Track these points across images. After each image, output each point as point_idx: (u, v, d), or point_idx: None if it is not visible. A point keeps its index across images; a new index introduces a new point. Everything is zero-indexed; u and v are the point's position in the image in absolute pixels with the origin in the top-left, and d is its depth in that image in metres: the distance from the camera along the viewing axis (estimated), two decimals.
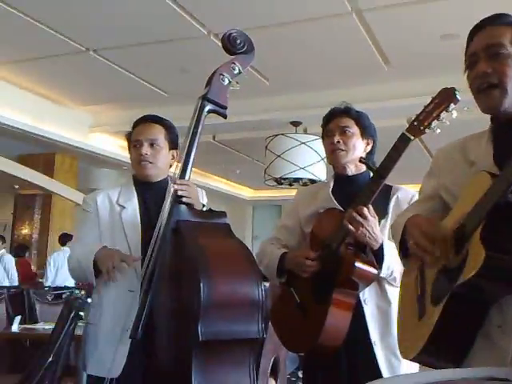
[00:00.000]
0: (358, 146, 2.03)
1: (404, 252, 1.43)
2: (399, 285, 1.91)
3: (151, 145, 2.07)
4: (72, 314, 2.26)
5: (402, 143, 1.77)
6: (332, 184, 2.08)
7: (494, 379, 0.89)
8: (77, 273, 2.11)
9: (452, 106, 1.67)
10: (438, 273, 1.28)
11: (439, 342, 1.24)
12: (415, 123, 1.73)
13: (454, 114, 1.69)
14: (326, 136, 2.08)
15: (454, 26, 4.31)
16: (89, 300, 3.30)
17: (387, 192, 2.01)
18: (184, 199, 1.85)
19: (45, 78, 5.96)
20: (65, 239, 6.87)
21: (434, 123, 1.71)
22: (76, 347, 3.01)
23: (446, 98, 1.68)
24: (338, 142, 2.00)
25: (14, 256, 7.74)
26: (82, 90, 6.28)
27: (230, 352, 1.64)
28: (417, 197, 2.01)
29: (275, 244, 2.11)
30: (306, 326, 1.90)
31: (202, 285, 1.55)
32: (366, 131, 2.05)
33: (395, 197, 2.00)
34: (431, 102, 1.71)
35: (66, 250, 6.35)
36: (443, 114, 1.69)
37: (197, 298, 1.55)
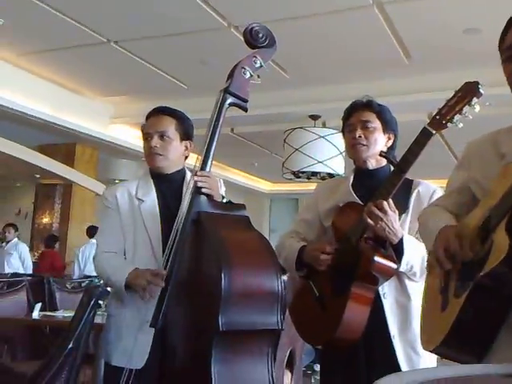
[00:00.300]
0: (380, 141, 2.01)
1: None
2: (420, 280, 1.91)
3: (161, 137, 2.07)
4: (92, 302, 2.28)
5: (423, 137, 1.76)
6: (352, 178, 2.08)
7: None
8: (105, 281, 2.19)
9: (475, 99, 1.65)
10: (463, 265, 1.28)
11: (460, 335, 1.23)
12: (437, 117, 1.72)
13: (477, 108, 1.67)
14: (347, 130, 2.06)
15: (476, 21, 4.26)
16: (108, 288, 3.35)
17: (408, 186, 2.00)
18: (204, 190, 1.86)
19: (66, 69, 6.02)
20: (92, 231, 6.94)
21: (457, 117, 1.69)
22: (94, 336, 3.06)
23: (468, 91, 1.66)
24: (360, 136, 1.99)
25: (45, 247, 7.84)
26: (103, 81, 6.33)
27: (249, 343, 1.66)
28: (438, 192, 2.00)
29: (294, 237, 2.11)
30: (324, 319, 1.90)
31: (223, 275, 1.57)
32: (388, 126, 2.03)
33: (416, 191, 1.98)
34: (454, 95, 1.70)
35: (93, 242, 6.45)
36: (466, 108, 1.67)
37: (218, 288, 1.57)
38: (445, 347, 1.26)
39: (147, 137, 2.10)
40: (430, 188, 2.00)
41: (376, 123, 2.01)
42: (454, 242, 1.28)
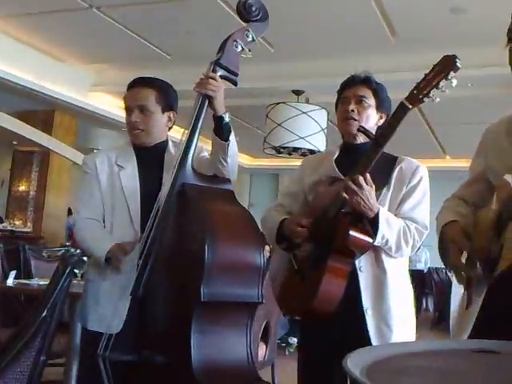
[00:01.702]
0: (372, 118, 2.00)
1: (443, 254, 1.43)
2: (397, 255, 1.95)
3: (141, 110, 2.02)
4: (67, 271, 2.27)
5: (400, 112, 1.76)
6: (337, 153, 2.08)
7: (483, 351, 0.91)
8: (84, 249, 2.19)
9: (452, 74, 1.65)
10: (480, 262, 1.27)
11: (483, 331, 1.23)
12: (415, 91, 1.72)
13: (454, 82, 1.67)
14: (341, 103, 2.04)
15: (463, 0, 4.25)
16: (85, 258, 3.34)
17: (392, 162, 2.01)
18: (209, 92, 1.85)
19: (47, 34, 5.87)
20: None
21: (434, 92, 1.69)
22: (69, 304, 3.06)
23: (446, 65, 1.66)
24: (353, 110, 1.98)
25: None
26: (85, 48, 6.19)
27: (229, 314, 1.68)
28: (421, 168, 2.01)
29: (279, 210, 2.13)
30: (302, 291, 1.93)
31: (206, 247, 1.58)
32: (382, 104, 2.02)
33: (399, 167, 1.99)
34: (432, 69, 1.69)
35: None
36: (442, 82, 1.67)
37: (201, 259, 1.58)
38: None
39: (127, 110, 2.06)
40: (412, 164, 2.01)
41: (371, 100, 2.00)
42: (463, 242, 1.27)
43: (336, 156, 2.07)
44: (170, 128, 2.15)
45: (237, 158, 2.00)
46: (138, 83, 2.07)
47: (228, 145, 1.90)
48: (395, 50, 5.30)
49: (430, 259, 9.49)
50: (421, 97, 1.71)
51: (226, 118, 1.92)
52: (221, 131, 1.91)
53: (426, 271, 9.38)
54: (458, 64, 1.64)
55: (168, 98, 2.08)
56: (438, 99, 1.71)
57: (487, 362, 0.88)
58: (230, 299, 1.64)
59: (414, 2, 4.39)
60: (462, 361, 0.89)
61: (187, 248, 1.75)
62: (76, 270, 3.42)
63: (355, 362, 0.79)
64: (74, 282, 3.24)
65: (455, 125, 7.44)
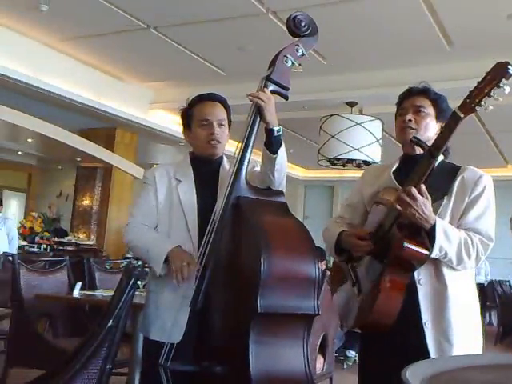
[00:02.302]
0: (431, 128, 1.97)
1: None
2: (460, 267, 1.89)
3: (220, 125, 2.12)
4: (131, 282, 2.33)
5: (452, 121, 1.73)
6: (397, 164, 2.07)
7: None
8: (139, 255, 2.25)
9: (504, 81, 1.61)
10: None
11: None
12: (467, 100, 1.69)
13: (507, 89, 1.62)
14: (399, 114, 2.03)
15: None
16: (147, 269, 3.43)
17: (455, 172, 1.96)
18: (261, 105, 1.88)
19: (107, 55, 6.12)
20: None
21: (486, 100, 1.66)
22: (132, 315, 3.15)
23: (497, 72, 1.62)
24: (410, 120, 1.96)
25: None
26: (143, 67, 6.41)
27: (286, 326, 1.69)
28: (485, 177, 1.96)
29: (339, 222, 2.13)
30: (361, 304, 1.93)
31: (262, 258, 1.60)
32: (442, 114, 1.97)
33: (461, 177, 1.94)
34: (484, 77, 1.66)
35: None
36: (495, 90, 1.63)
37: (257, 272, 1.60)
38: None
39: (205, 123, 2.12)
40: (476, 173, 1.96)
41: (429, 109, 1.97)
42: None
43: (395, 167, 2.05)
44: None
45: (285, 170, 2.02)
46: (213, 99, 2.17)
47: (276, 158, 1.93)
48: (451, 59, 5.20)
49: (490, 272, 9.14)
50: (473, 105, 1.68)
51: (277, 132, 1.94)
52: (271, 144, 1.94)
53: (486, 284, 9.04)
54: (510, 70, 1.61)
55: (230, 115, 2.19)
56: (491, 107, 1.67)
57: None
58: (286, 311, 1.65)
59: (469, 9, 4.30)
60: None
61: (243, 260, 1.79)
62: (138, 282, 3.51)
63: (415, 374, 0.80)
64: (136, 292, 3.34)
65: None
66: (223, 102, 2.18)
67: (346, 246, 2.00)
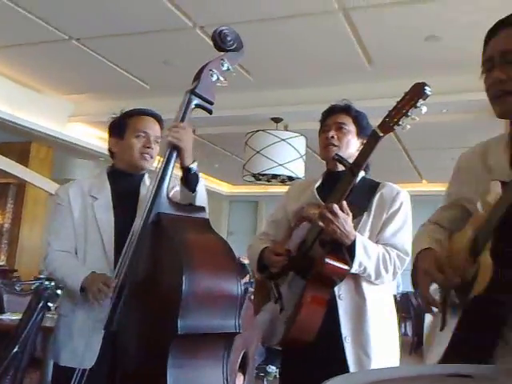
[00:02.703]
0: (352, 145, 2.03)
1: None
2: (378, 282, 1.93)
3: (155, 141, 2.12)
4: (40, 305, 2.21)
5: (372, 140, 1.79)
6: (320, 180, 2.10)
7: (458, 375, 0.89)
8: (59, 281, 2.19)
9: (421, 101, 1.67)
10: (456, 288, 1.27)
11: (457, 352, 1.22)
12: (386, 119, 1.74)
13: (424, 109, 1.68)
14: (322, 131, 2.08)
15: (438, 28, 4.36)
16: (58, 291, 3.26)
17: (373, 188, 2.02)
18: (174, 141, 1.84)
19: (25, 66, 5.85)
20: None
21: (403, 120, 1.71)
22: (43, 339, 2.97)
23: (415, 93, 1.68)
24: (333, 137, 2.01)
25: None
26: (63, 79, 6.18)
27: (206, 346, 1.64)
28: (402, 194, 2.02)
29: (263, 239, 2.13)
30: (285, 321, 1.91)
31: (184, 278, 1.54)
32: (363, 131, 2.04)
33: (380, 193, 2.00)
34: (403, 97, 1.71)
35: None
36: (412, 110, 1.69)
37: (177, 291, 1.54)
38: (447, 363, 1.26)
39: (143, 135, 2.11)
40: (393, 190, 2.02)
41: (351, 126, 2.03)
42: (435, 274, 1.26)
43: (318, 183, 2.08)
44: None
45: (206, 201, 1.98)
46: (152, 115, 2.17)
47: (195, 196, 1.88)
48: (372, 78, 5.39)
49: (402, 283, 9.49)
50: (391, 125, 1.73)
51: (194, 168, 1.90)
52: (188, 181, 1.89)
53: (398, 296, 9.37)
54: (427, 91, 1.66)
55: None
56: (408, 127, 1.72)
57: None
58: (207, 331, 1.60)
59: (389, 30, 4.48)
60: None
61: (163, 279, 1.71)
62: (50, 304, 3.34)
63: None
64: (48, 315, 3.16)
65: (431, 150, 7.56)
66: (160, 122, 2.18)
67: (266, 263, 2.00)
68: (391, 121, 1.72)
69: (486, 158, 1.36)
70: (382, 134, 1.75)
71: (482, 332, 1.20)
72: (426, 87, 1.66)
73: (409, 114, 1.69)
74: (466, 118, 5.70)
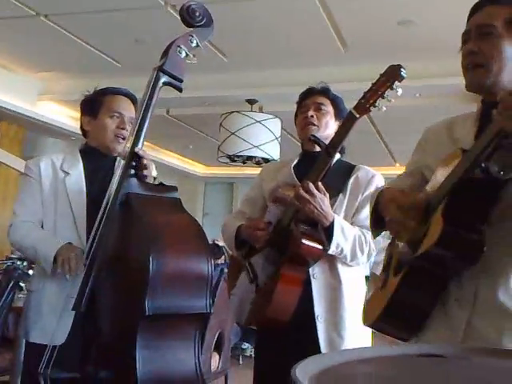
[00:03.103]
0: (330, 126, 2.05)
1: (375, 222, 1.45)
2: (353, 264, 1.95)
3: (130, 123, 2.08)
4: (11, 285, 2.19)
5: (348, 121, 1.80)
6: (296, 160, 2.11)
7: (429, 355, 0.92)
8: (27, 256, 2.11)
9: (396, 83, 1.69)
10: (404, 244, 1.31)
11: (395, 311, 1.28)
12: (362, 101, 1.76)
13: (399, 91, 1.71)
14: (300, 112, 2.09)
15: (410, 13, 4.36)
16: (30, 271, 3.22)
17: (349, 170, 2.04)
18: (144, 172, 1.83)
19: None
20: None
21: (379, 101, 1.73)
22: (15, 319, 2.95)
23: (391, 75, 1.70)
24: (312, 116, 2.02)
25: None
26: (32, 56, 6.01)
27: (176, 326, 1.64)
28: (377, 177, 2.05)
29: (237, 217, 2.13)
30: (256, 300, 1.92)
31: (151, 258, 1.54)
32: (340, 113, 2.07)
33: (355, 175, 2.02)
34: (378, 79, 1.73)
35: None
36: (388, 92, 1.71)
37: (145, 271, 1.53)
38: (381, 322, 1.30)
39: (118, 116, 2.07)
40: (369, 173, 2.05)
41: (329, 108, 2.05)
42: (401, 198, 1.30)
43: (294, 163, 2.09)
44: None
45: None
46: (128, 95, 2.13)
47: None
48: (346, 62, 5.39)
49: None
50: (367, 106, 1.74)
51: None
52: None
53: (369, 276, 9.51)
54: (402, 73, 1.68)
55: None
56: (384, 108, 1.74)
57: (434, 367, 0.89)
58: (176, 311, 1.60)
59: (362, 14, 4.47)
60: (410, 366, 0.90)
61: (131, 259, 1.71)
62: (21, 284, 3.31)
63: (303, 372, 0.78)
64: (20, 295, 3.13)
65: (405, 134, 7.61)
66: (135, 103, 2.14)
67: (245, 238, 1.99)
68: (367, 102, 1.74)
69: (453, 131, 1.40)
70: (358, 116, 1.77)
71: (422, 292, 1.25)
72: (401, 69, 1.68)
73: (385, 95, 1.71)
74: (439, 102, 5.75)
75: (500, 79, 1.29)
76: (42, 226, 2.02)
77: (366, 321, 1.38)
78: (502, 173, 1.09)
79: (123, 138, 2.07)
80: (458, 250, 1.17)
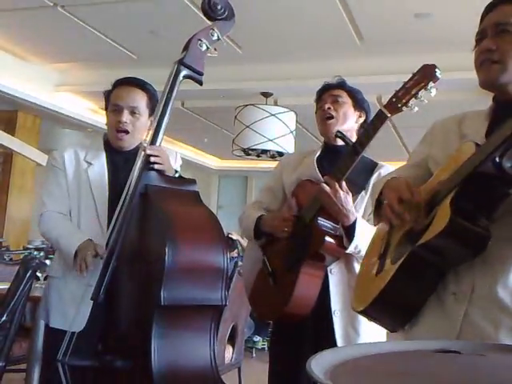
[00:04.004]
0: (350, 116, 2.03)
1: (377, 210, 1.45)
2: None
3: (132, 112, 2.02)
4: (28, 274, 2.21)
5: (378, 120, 1.76)
6: (319, 152, 2.09)
7: (445, 351, 0.92)
8: (52, 244, 2.17)
9: (431, 84, 1.65)
10: (404, 234, 1.30)
11: (390, 298, 1.27)
12: (393, 100, 1.71)
13: (433, 92, 1.66)
14: (319, 107, 2.08)
15: (427, 5, 4.31)
16: (47, 261, 3.26)
17: (372, 168, 2.02)
18: (156, 166, 1.83)
19: (10, 33, 5.72)
20: None
21: (412, 101, 1.69)
22: (32, 309, 2.98)
23: (425, 75, 1.65)
24: (329, 108, 2.00)
25: None
26: (49, 47, 6.05)
27: (192, 318, 1.65)
28: None
29: (256, 208, 2.12)
30: (275, 294, 1.93)
31: (167, 249, 1.55)
32: (359, 104, 2.05)
33: (377, 173, 2.01)
34: (411, 78, 1.68)
35: None
36: (422, 92, 1.67)
37: (161, 262, 1.55)
38: (373, 309, 1.30)
39: (116, 109, 2.02)
40: (391, 171, 2.03)
41: (346, 98, 2.03)
42: (405, 191, 1.29)
43: (317, 155, 2.08)
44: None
45: None
46: (130, 83, 2.05)
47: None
48: (361, 54, 5.35)
49: None
50: (399, 105, 1.70)
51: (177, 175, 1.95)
52: None
53: None
54: (438, 74, 1.63)
55: (154, 103, 2.06)
56: (416, 108, 1.70)
57: (450, 362, 0.89)
58: (191, 303, 1.62)
59: (379, 7, 4.43)
60: (426, 361, 0.90)
61: (149, 250, 1.73)
62: (39, 274, 3.35)
63: (319, 364, 0.79)
64: (37, 285, 3.17)
65: (421, 128, 7.54)
66: (142, 87, 2.05)
67: (266, 229, 1.99)
68: (399, 101, 1.69)
69: (462, 126, 1.39)
70: (389, 115, 1.74)
71: (420, 282, 1.24)
72: (436, 69, 1.64)
73: (418, 95, 1.67)
74: (455, 96, 5.69)
75: None
76: (70, 214, 2.04)
77: (358, 306, 1.37)
78: None
79: (125, 132, 2.02)
80: (464, 241, 1.17)
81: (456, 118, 1.45)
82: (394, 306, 1.29)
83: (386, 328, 1.37)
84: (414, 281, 1.26)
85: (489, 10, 1.36)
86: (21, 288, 1.90)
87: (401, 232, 1.32)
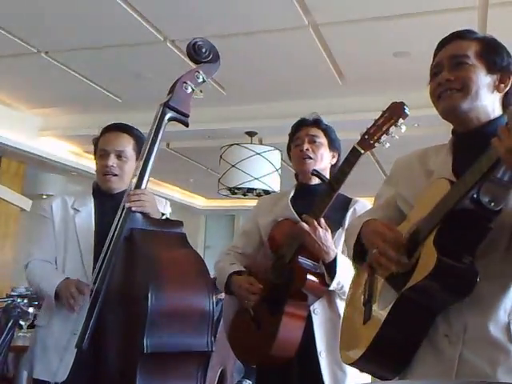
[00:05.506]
0: (325, 157, 2.07)
1: (357, 256, 1.42)
2: None
3: (118, 156, 2.06)
4: (10, 324, 2.16)
5: (352, 156, 1.80)
6: (293, 192, 2.10)
7: None
8: (36, 291, 2.23)
9: (401, 120, 1.70)
10: (388, 278, 1.28)
11: (382, 346, 1.24)
12: (366, 137, 1.76)
13: (403, 128, 1.72)
14: (295, 144, 2.10)
15: (406, 44, 4.43)
16: (30, 309, 3.18)
17: (346, 204, 2.04)
18: (134, 209, 1.81)
19: None
20: None
21: (384, 137, 1.73)
22: (15, 358, 2.90)
23: (395, 112, 1.71)
24: (307, 149, 2.03)
25: None
26: (33, 93, 6.08)
27: (177, 365, 1.60)
28: None
29: (230, 254, 2.11)
30: (258, 338, 1.89)
31: (150, 295, 1.52)
32: (333, 144, 2.09)
33: (352, 209, 2.03)
34: (381, 116, 1.74)
35: None
36: (392, 129, 1.72)
37: (144, 308, 1.51)
38: (366, 361, 1.27)
39: (103, 153, 2.06)
40: (366, 206, 2.05)
41: (323, 139, 2.07)
42: (387, 232, 1.27)
43: (291, 195, 2.08)
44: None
45: None
46: (116, 128, 2.10)
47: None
48: (343, 93, 5.44)
49: None
50: (372, 142, 1.75)
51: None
52: None
53: None
54: (406, 111, 1.69)
55: (141, 146, 2.08)
56: (388, 144, 1.75)
57: None
58: (176, 350, 1.57)
59: (360, 47, 4.53)
60: None
61: (132, 296, 1.69)
62: (22, 322, 3.26)
63: None
64: (20, 334, 3.09)
65: None
66: (128, 131, 2.10)
67: (236, 294, 1.99)
68: (371, 138, 1.75)
69: (426, 162, 1.40)
70: (362, 151, 1.78)
71: (412, 326, 1.22)
72: (405, 107, 1.69)
73: (389, 132, 1.71)
74: (436, 131, 5.76)
75: (475, 106, 1.29)
76: (56, 262, 2.05)
77: (347, 359, 1.33)
78: (492, 204, 1.09)
79: (113, 175, 2.05)
80: (453, 281, 1.16)
81: (416, 154, 1.47)
82: (387, 353, 1.26)
83: (379, 378, 1.33)
84: (407, 325, 1.23)
85: (444, 44, 1.39)
86: (2, 338, 1.85)
87: (384, 275, 1.29)
